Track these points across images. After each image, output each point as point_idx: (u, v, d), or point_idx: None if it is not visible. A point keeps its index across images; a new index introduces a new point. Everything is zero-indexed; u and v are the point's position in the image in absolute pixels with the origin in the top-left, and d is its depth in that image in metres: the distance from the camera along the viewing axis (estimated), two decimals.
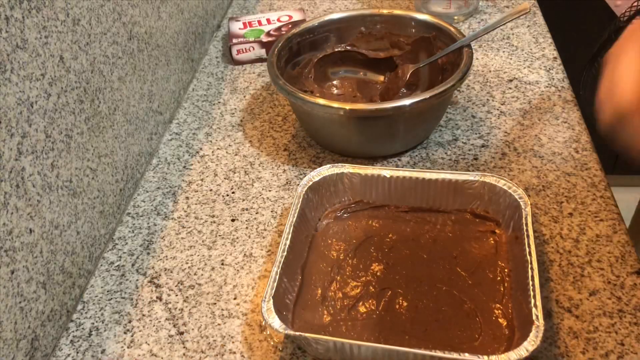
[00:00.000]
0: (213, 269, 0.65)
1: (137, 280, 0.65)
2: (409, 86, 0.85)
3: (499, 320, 0.56)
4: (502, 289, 0.58)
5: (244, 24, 1.03)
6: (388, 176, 0.66)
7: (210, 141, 0.83)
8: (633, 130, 0.44)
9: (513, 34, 0.99)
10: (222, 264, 0.66)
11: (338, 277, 0.61)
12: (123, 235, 0.71)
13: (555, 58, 0.92)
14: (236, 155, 0.81)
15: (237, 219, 0.71)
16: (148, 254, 0.68)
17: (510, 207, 0.62)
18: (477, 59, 0.93)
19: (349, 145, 0.77)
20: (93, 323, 0.61)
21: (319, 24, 0.87)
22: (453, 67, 0.77)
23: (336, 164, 0.68)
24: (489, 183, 0.64)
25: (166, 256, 0.67)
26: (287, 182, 0.75)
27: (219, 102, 0.91)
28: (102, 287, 0.65)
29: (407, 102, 0.70)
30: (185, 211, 0.73)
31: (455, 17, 1.03)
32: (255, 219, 0.71)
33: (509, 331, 0.55)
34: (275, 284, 0.55)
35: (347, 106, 0.71)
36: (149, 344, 0.59)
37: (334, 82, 0.89)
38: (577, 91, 0.87)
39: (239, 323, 0.60)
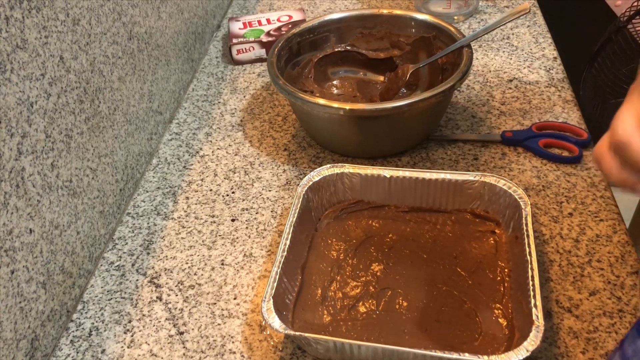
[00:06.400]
0: (213, 269, 0.65)
1: (137, 280, 0.65)
2: (409, 86, 0.85)
3: (499, 320, 0.56)
4: (502, 289, 0.58)
5: (244, 24, 1.03)
6: (388, 176, 0.66)
7: (210, 141, 0.83)
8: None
9: (513, 34, 0.99)
10: (222, 264, 0.66)
11: (338, 277, 0.61)
12: (123, 235, 0.71)
13: (555, 58, 0.92)
14: (236, 155, 0.81)
15: (237, 219, 0.71)
16: (148, 254, 0.68)
17: (510, 207, 0.62)
18: (477, 59, 0.93)
19: (349, 145, 0.77)
20: (93, 323, 0.61)
21: (319, 24, 0.87)
22: (453, 67, 0.77)
23: (336, 164, 0.68)
24: (489, 183, 0.64)
25: (166, 256, 0.67)
26: (287, 182, 0.75)
27: (219, 102, 0.91)
28: (102, 287, 0.65)
29: (407, 102, 0.70)
30: (185, 211, 0.73)
31: (455, 17, 1.03)
32: (255, 219, 0.71)
33: (509, 331, 0.55)
34: (275, 284, 0.55)
35: (347, 106, 0.71)
36: (149, 344, 0.59)
37: (334, 82, 0.89)
38: (577, 91, 0.87)
39: (239, 323, 0.60)
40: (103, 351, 0.58)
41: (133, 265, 0.67)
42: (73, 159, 0.62)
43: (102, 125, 0.68)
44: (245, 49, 0.98)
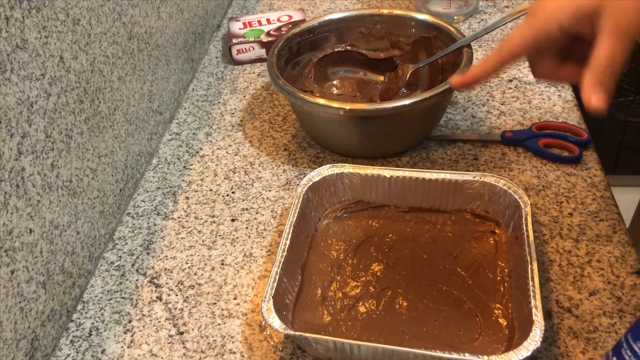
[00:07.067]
0: (213, 269, 0.65)
1: (137, 280, 0.65)
2: (409, 86, 0.85)
3: (499, 320, 0.56)
4: (502, 289, 0.58)
5: (244, 24, 1.03)
6: (388, 176, 0.66)
7: (210, 141, 0.83)
8: None
9: None
10: (222, 264, 0.66)
11: (338, 277, 0.61)
12: (123, 235, 0.71)
13: None
14: (236, 155, 0.81)
15: (237, 219, 0.71)
16: (148, 254, 0.68)
17: (510, 207, 0.62)
18: (477, 59, 0.93)
19: (349, 145, 0.77)
20: (93, 323, 0.61)
21: (319, 24, 0.87)
22: (453, 67, 0.77)
23: (336, 164, 0.68)
24: (489, 183, 0.64)
25: (166, 256, 0.67)
26: (287, 182, 0.75)
27: (219, 102, 0.91)
28: (102, 287, 0.65)
29: (407, 102, 0.70)
30: (185, 211, 0.73)
31: (455, 17, 1.03)
32: (255, 219, 0.71)
33: (509, 331, 0.55)
34: (275, 284, 0.55)
35: (347, 106, 0.71)
36: (149, 344, 0.59)
37: (334, 82, 0.89)
38: (577, 91, 0.87)
39: (239, 323, 0.60)
40: (103, 351, 0.58)
41: (133, 265, 0.67)
42: (73, 159, 0.62)
43: (102, 125, 0.68)
44: (245, 49, 0.98)
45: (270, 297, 0.54)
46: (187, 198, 0.75)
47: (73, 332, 0.61)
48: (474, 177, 0.64)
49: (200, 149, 0.82)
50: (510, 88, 0.87)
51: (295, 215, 0.62)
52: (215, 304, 0.62)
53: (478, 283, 0.59)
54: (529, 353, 0.48)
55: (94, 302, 0.63)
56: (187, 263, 0.66)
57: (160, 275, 0.65)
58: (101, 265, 0.67)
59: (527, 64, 0.91)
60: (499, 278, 0.59)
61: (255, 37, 0.98)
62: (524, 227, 0.58)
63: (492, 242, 0.63)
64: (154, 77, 0.82)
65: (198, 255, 0.67)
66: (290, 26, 1.01)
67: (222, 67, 0.99)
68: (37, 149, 0.56)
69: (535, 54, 0.54)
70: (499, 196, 0.64)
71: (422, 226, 0.66)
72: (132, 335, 0.60)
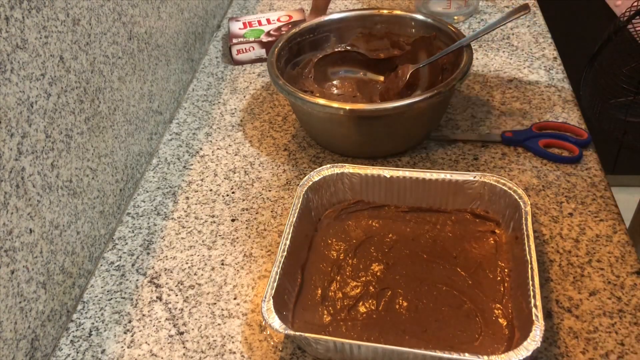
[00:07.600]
0: (213, 269, 0.65)
1: (137, 280, 0.65)
2: (409, 86, 0.85)
3: (499, 320, 0.56)
4: (502, 289, 0.58)
5: (244, 24, 1.03)
6: (388, 176, 0.66)
7: (210, 141, 0.83)
8: None
9: (513, 34, 0.99)
10: (222, 264, 0.66)
11: (338, 277, 0.61)
12: (123, 235, 0.71)
13: (555, 58, 0.92)
14: (236, 155, 0.81)
15: (237, 219, 0.71)
16: (148, 254, 0.68)
17: (510, 207, 0.62)
18: (477, 59, 0.93)
19: (349, 145, 0.77)
20: (93, 323, 0.61)
21: (319, 24, 0.87)
22: (453, 67, 0.77)
23: (336, 164, 0.68)
24: (489, 183, 0.64)
25: (166, 256, 0.67)
26: (287, 182, 0.75)
27: (219, 102, 0.91)
28: (102, 287, 0.65)
29: (407, 102, 0.70)
30: (185, 211, 0.73)
31: (455, 17, 1.03)
32: (255, 219, 0.71)
33: (509, 331, 0.55)
34: (275, 284, 0.55)
35: (347, 106, 0.71)
36: (149, 344, 0.59)
37: (334, 82, 0.89)
38: (577, 91, 0.87)
39: (239, 323, 0.60)
40: (103, 351, 0.58)
41: (133, 265, 0.67)
42: (73, 159, 0.62)
43: (102, 125, 0.68)
44: (245, 49, 0.98)
45: (270, 297, 0.54)
46: (187, 198, 0.75)
47: (73, 332, 0.61)
48: (474, 177, 0.64)
49: (200, 149, 0.82)
50: (510, 88, 0.87)
51: (295, 215, 0.62)
52: (215, 304, 0.62)
53: (478, 283, 0.59)
54: (529, 353, 0.48)
55: (94, 302, 0.63)
56: (187, 263, 0.66)
57: (160, 275, 0.65)
58: (101, 265, 0.67)
59: (527, 63, 0.91)
60: (499, 278, 0.59)
61: (255, 37, 0.98)
62: (524, 227, 0.58)
63: (492, 242, 0.63)
64: (154, 77, 0.82)
65: (198, 255, 0.67)
66: (290, 26, 1.01)
67: (222, 67, 0.99)
68: (37, 149, 0.56)
69: None
70: (499, 196, 0.64)
71: (422, 226, 0.66)
72: (132, 335, 0.60)
